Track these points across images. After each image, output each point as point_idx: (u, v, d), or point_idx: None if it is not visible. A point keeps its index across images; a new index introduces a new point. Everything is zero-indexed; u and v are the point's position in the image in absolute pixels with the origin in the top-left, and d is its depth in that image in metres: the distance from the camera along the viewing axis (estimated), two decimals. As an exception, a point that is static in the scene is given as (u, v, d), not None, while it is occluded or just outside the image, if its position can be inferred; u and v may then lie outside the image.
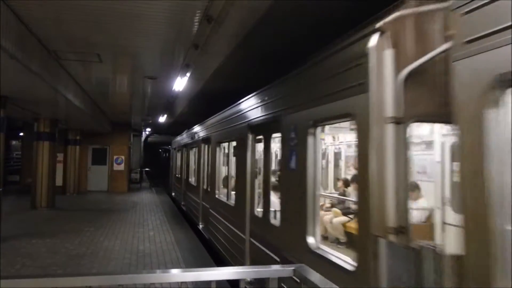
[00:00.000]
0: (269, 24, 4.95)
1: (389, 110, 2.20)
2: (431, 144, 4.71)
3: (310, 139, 3.45)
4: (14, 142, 24.78)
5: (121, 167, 19.61)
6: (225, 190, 7.25)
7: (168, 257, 7.25)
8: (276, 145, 5.02)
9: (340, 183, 6.81)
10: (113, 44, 6.15)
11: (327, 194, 7.03)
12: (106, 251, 7.51)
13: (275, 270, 2.26)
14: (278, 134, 4.30)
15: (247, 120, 5.53)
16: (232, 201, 6.48)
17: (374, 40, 2.34)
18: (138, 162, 25.10)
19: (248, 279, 4.21)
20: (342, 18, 4.76)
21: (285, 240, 3.90)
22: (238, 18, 4.75)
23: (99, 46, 6.23)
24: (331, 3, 4.17)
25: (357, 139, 2.63)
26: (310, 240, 3.31)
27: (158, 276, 2.41)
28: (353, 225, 4.96)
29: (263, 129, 4.94)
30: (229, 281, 4.97)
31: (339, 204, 6.26)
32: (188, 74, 7.35)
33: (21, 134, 20.53)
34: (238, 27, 4.99)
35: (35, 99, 8.93)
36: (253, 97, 5.44)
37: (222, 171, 7.83)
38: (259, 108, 5.01)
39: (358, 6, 4.31)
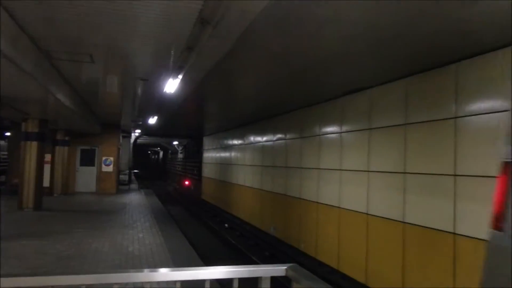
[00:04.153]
0: (264, 27, 5.03)
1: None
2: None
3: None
4: (0, 142, 24.45)
5: (110, 168, 19.51)
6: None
7: (158, 258, 7.24)
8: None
9: None
10: (106, 45, 6.16)
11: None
12: (95, 252, 7.48)
13: (267, 269, 2.31)
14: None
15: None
16: None
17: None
18: (127, 164, 24.98)
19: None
20: (339, 18, 4.84)
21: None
22: (232, 21, 4.81)
23: (92, 46, 6.23)
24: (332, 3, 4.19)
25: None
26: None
27: (149, 275, 2.41)
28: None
29: None
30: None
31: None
32: (180, 76, 7.37)
33: (8, 133, 20.29)
34: (232, 29, 5.04)
35: (26, 98, 8.87)
36: None
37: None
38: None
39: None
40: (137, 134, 27.58)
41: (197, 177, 26.77)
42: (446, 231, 5.93)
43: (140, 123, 19.21)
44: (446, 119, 6.08)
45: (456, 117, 5.91)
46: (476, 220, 5.44)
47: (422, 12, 4.34)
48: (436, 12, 4.33)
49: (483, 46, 5.31)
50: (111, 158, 19.49)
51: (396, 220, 7.04)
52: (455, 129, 5.91)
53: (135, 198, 18.20)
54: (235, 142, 18.28)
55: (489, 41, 5.12)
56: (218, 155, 21.80)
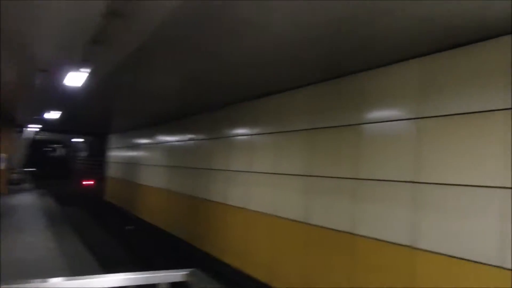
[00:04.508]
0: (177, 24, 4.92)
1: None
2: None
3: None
4: None
5: (0, 166, 17.76)
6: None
7: (50, 265, 6.71)
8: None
9: None
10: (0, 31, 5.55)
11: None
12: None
13: (166, 275, 2.23)
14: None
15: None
16: None
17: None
18: (21, 162, 22.89)
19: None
20: (254, 23, 4.91)
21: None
22: (144, 16, 4.64)
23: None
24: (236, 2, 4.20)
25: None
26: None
27: (39, 286, 2.22)
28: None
29: None
30: None
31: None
32: (84, 69, 6.93)
33: None
34: (144, 24, 4.86)
35: None
36: None
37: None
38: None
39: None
40: (36, 130, 25.39)
41: (101, 176, 25.41)
42: (346, 232, 6.31)
43: (40, 117, 17.70)
44: (350, 125, 6.48)
45: (358, 124, 6.32)
46: (372, 221, 5.87)
47: (333, 28, 4.58)
48: (345, 29, 4.60)
49: (385, 60, 5.75)
50: (3, 155, 17.76)
51: (300, 222, 7.33)
52: (357, 135, 6.32)
53: (28, 199, 16.77)
54: (144, 141, 17.67)
55: (390, 56, 5.57)
56: (125, 154, 20.88)
